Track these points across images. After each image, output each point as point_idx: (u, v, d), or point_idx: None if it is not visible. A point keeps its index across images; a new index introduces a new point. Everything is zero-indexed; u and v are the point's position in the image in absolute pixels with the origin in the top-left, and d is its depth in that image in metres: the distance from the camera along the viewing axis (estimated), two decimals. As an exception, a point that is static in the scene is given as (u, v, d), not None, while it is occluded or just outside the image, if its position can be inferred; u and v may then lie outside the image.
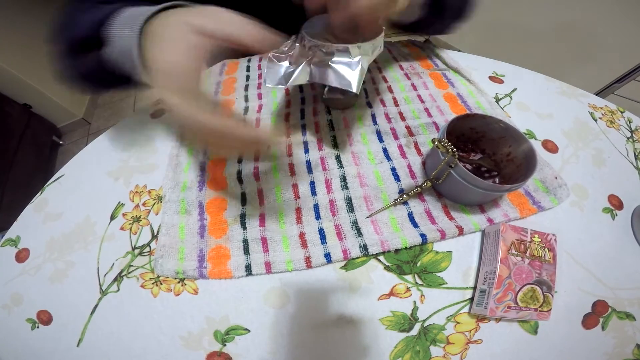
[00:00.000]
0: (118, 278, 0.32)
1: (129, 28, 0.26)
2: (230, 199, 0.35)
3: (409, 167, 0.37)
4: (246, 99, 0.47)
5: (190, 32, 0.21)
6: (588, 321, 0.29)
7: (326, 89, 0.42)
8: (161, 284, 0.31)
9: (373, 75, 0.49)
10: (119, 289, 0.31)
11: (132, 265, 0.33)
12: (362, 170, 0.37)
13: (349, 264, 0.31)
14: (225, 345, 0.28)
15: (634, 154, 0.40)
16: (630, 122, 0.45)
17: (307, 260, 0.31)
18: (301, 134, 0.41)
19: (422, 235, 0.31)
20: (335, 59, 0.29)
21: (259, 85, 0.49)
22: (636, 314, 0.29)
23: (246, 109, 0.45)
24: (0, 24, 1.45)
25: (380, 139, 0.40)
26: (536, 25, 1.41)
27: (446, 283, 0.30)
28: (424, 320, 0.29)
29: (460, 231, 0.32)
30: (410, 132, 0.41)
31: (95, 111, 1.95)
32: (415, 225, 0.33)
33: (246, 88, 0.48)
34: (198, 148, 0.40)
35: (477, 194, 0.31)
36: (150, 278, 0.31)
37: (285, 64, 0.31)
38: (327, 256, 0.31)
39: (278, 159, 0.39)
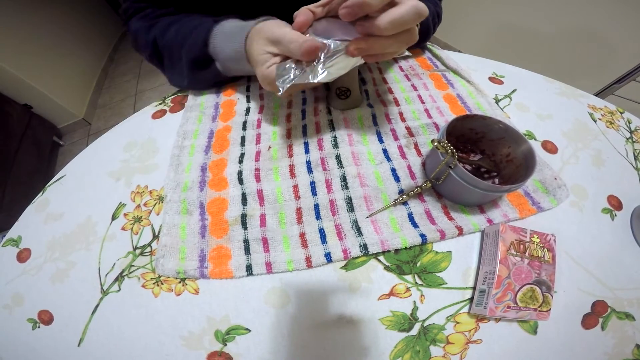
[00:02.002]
0: (119, 278, 0.32)
1: (232, 45, 0.38)
2: (231, 199, 0.35)
3: (409, 167, 0.37)
4: (248, 99, 0.47)
5: (265, 62, 0.34)
6: (587, 321, 0.29)
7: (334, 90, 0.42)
8: (162, 283, 0.31)
9: (374, 75, 0.50)
10: (120, 289, 0.31)
11: (133, 265, 0.33)
12: (362, 170, 0.37)
13: (349, 264, 0.31)
14: (226, 345, 0.28)
15: (634, 154, 0.41)
16: (629, 123, 0.45)
17: (308, 260, 0.31)
18: (302, 134, 0.41)
19: (422, 236, 0.32)
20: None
21: (261, 86, 0.49)
22: (636, 314, 0.29)
23: (247, 110, 0.45)
24: (0, 24, 1.46)
25: (381, 140, 0.40)
26: (536, 26, 1.42)
27: (446, 283, 0.30)
28: (424, 320, 0.29)
29: (460, 231, 0.32)
30: (410, 133, 0.41)
31: (96, 111, 1.95)
32: (415, 225, 0.33)
33: (248, 89, 0.49)
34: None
35: (476, 194, 0.31)
36: (152, 278, 0.31)
37: (292, 66, 0.31)
38: (328, 256, 0.31)
39: (278, 160, 0.39)
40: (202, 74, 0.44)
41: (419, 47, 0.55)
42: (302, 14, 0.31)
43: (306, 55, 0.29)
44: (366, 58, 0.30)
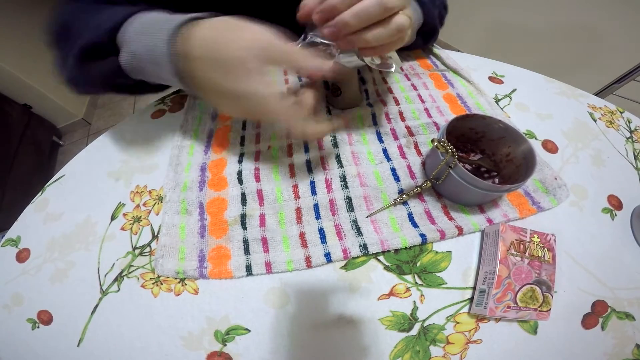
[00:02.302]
0: (118, 278, 0.32)
1: (150, 37, 0.28)
2: (230, 199, 0.35)
3: (409, 167, 0.37)
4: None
5: (260, 63, 0.26)
6: (587, 321, 0.29)
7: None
8: (162, 284, 0.31)
9: (374, 75, 0.50)
10: (119, 289, 0.31)
11: (133, 265, 0.33)
12: (362, 170, 0.37)
13: (349, 264, 0.31)
14: (225, 345, 0.28)
15: (634, 154, 0.40)
16: (629, 123, 0.45)
17: (307, 260, 0.31)
18: None
19: (422, 235, 0.31)
20: (342, 57, 0.31)
21: None
22: (636, 314, 0.29)
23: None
24: (0, 24, 1.45)
25: (380, 140, 0.40)
26: (536, 25, 1.41)
27: (446, 283, 0.30)
28: (424, 320, 0.29)
29: (460, 231, 0.32)
30: (410, 132, 0.41)
31: (96, 111, 1.95)
32: (414, 225, 0.33)
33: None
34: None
35: (476, 194, 0.31)
36: (151, 278, 0.31)
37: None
38: (327, 256, 0.31)
39: (278, 159, 0.39)
40: (91, 66, 0.31)
41: (425, 47, 0.54)
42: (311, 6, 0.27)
43: (325, 76, 0.27)
44: (362, 52, 0.30)
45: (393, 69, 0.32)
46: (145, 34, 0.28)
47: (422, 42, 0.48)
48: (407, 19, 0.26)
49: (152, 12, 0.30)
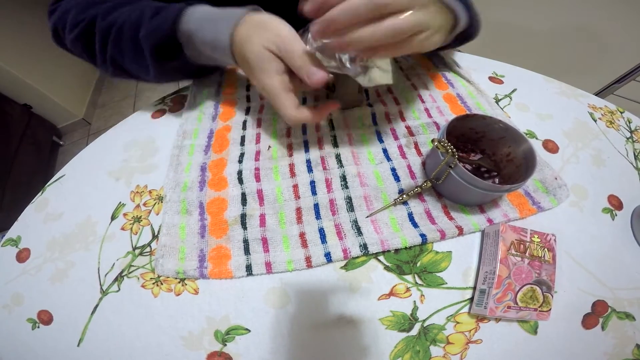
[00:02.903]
0: (119, 278, 0.32)
1: (213, 30, 0.33)
2: (230, 199, 0.35)
3: (409, 167, 0.37)
4: (248, 99, 0.47)
5: (271, 61, 0.31)
6: (588, 321, 0.29)
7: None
8: (162, 284, 0.31)
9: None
10: (119, 289, 0.31)
11: (133, 265, 0.33)
12: (362, 169, 0.37)
13: (349, 264, 0.31)
14: (225, 345, 0.28)
15: (634, 154, 0.40)
16: (629, 123, 0.45)
17: (308, 260, 0.31)
18: (302, 133, 0.41)
19: (422, 235, 0.31)
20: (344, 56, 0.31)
21: None
22: (636, 314, 0.29)
23: (248, 110, 0.45)
24: (0, 24, 1.46)
25: (380, 140, 0.40)
26: (536, 25, 1.41)
27: (446, 283, 0.30)
28: (424, 320, 0.29)
29: (460, 231, 0.32)
30: (410, 132, 0.41)
31: (96, 111, 1.95)
32: (415, 225, 0.33)
33: (248, 88, 0.48)
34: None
35: (476, 194, 0.31)
36: (151, 278, 0.31)
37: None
38: (328, 256, 0.31)
39: (278, 159, 0.39)
40: (169, 64, 0.38)
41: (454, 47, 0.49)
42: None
43: (314, 85, 0.30)
44: (364, 53, 0.28)
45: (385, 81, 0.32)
46: (207, 26, 0.34)
47: (457, 44, 0.44)
48: (411, 21, 0.24)
49: (200, 7, 0.35)
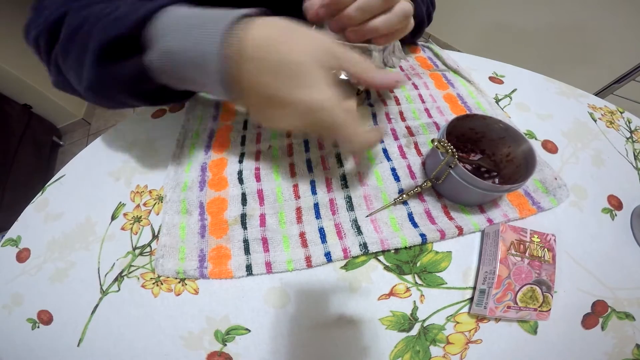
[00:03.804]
0: (119, 278, 0.32)
1: (193, 33, 0.23)
2: (230, 199, 0.35)
3: (409, 167, 0.37)
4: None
5: (323, 70, 0.23)
6: (587, 321, 0.29)
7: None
8: (162, 283, 0.31)
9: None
10: (119, 289, 0.31)
11: (133, 265, 0.33)
12: (362, 169, 0.37)
13: (349, 263, 0.31)
14: (225, 345, 0.28)
15: (634, 154, 0.40)
16: (629, 123, 0.45)
17: (308, 259, 0.31)
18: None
19: (422, 235, 0.31)
20: None
21: None
22: (636, 314, 0.29)
23: (247, 110, 0.45)
24: (1, 24, 1.46)
25: (380, 140, 0.40)
26: (536, 25, 1.42)
27: (446, 283, 0.30)
28: (424, 320, 0.29)
29: (460, 231, 0.32)
30: (410, 132, 0.41)
31: (96, 111, 1.95)
32: (414, 225, 0.33)
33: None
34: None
35: (476, 194, 0.31)
36: (151, 278, 0.31)
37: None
38: (328, 255, 0.31)
39: (278, 159, 0.39)
40: (112, 69, 0.26)
41: (413, 41, 0.54)
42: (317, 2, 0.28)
43: (391, 86, 0.26)
44: (375, 41, 0.30)
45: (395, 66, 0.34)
46: (186, 30, 0.23)
47: (410, 36, 0.40)
48: (409, 4, 0.27)
49: (185, 7, 0.25)
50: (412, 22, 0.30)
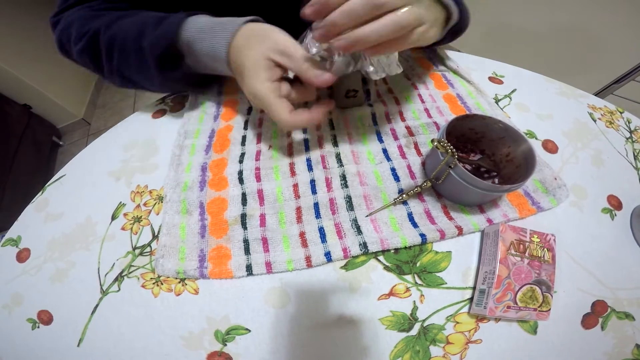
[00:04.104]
0: (119, 278, 0.32)
1: (211, 40, 0.34)
2: (231, 199, 0.35)
3: (409, 167, 0.37)
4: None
5: (267, 69, 0.32)
6: (587, 321, 0.29)
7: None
8: (162, 284, 0.31)
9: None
10: (119, 289, 0.31)
11: (133, 265, 0.33)
12: (362, 169, 0.37)
13: (349, 263, 0.31)
14: (225, 345, 0.28)
15: (633, 154, 0.41)
16: (629, 123, 0.45)
17: (308, 259, 0.31)
18: (302, 132, 0.41)
19: (422, 235, 0.32)
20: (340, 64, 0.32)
21: None
22: (635, 314, 0.29)
23: (249, 109, 0.45)
24: (0, 23, 1.46)
25: (380, 140, 0.40)
26: (536, 26, 1.42)
27: (446, 283, 0.30)
28: (424, 320, 0.29)
29: (460, 231, 0.32)
30: (410, 132, 0.41)
31: (95, 111, 1.95)
32: (414, 225, 0.33)
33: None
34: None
35: (476, 194, 0.31)
36: (151, 278, 0.31)
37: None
38: (328, 255, 0.31)
39: (279, 159, 0.39)
40: (171, 74, 0.39)
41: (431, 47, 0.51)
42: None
43: (322, 85, 0.31)
44: (366, 51, 0.29)
45: (376, 77, 0.33)
46: (205, 36, 0.35)
47: (448, 40, 0.43)
48: (411, 15, 0.24)
49: (198, 17, 0.36)
50: (419, 33, 0.26)
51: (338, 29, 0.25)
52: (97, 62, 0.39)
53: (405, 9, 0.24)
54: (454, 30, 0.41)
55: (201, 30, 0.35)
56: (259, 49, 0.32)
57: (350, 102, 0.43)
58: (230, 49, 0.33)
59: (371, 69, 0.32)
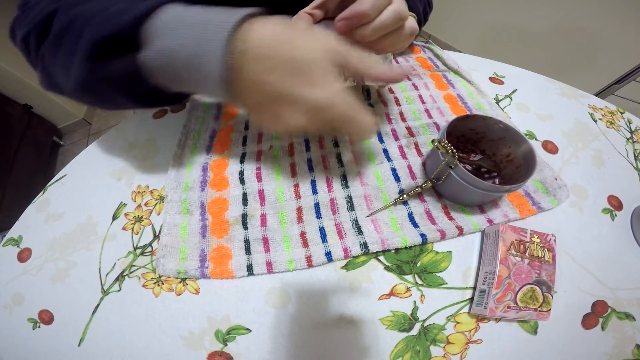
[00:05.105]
0: (120, 278, 0.32)
1: (196, 31, 0.23)
2: (231, 199, 0.35)
3: (409, 167, 0.37)
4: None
5: (333, 72, 0.23)
6: (588, 321, 0.29)
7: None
8: (163, 283, 0.31)
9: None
10: (120, 289, 0.31)
11: (134, 265, 0.33)
12: (363, 169, 0.37)
13: (350, 263, 0.31)
14: (226, 345, 0.28)
15: (634, 154, 0.41)
16: (630, 123, 0.45)
17: (308, 259, 0.31)
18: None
19: (422, 235, 0.32)
20: None
21: None
22: (636, 314, 0.29)
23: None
24: (1, 24, 1.46)
25: (381, 140, 0.40)
26: (536, 26, 1.42)
27: (446, 283, 0.30)
28: (424, 320, 0.29)
29: (460, 231, 0.32)
30: (410, 133, 0.41)
31: (96, 112, 1.95)
32: (415, 225, 0.33)
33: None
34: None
35: (476, 194, 0.31)
36: (152, 278, 0.31)
37: None
38: (328, 255, 0.31)
39: (279, 159, 0.39)
40: (103, 67, 0.25)
41: (432, 47, 0.55)
42: (302, 18, 0.28)
43: (397, 80, 0.26)
44: (377, 51, 0.30)
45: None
46: (186, 29, 0.23)
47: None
48: (414, 20, 0.27)
49: (182, 5, 0.25)
50: (410, 27, 0.29)
51: (365, 40, 0.26)
52: (37, 46, 0.29)
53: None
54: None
55: (185, 18, 0.24)
56: (314, 45, 0.23)
57: None
58: (237, 44, 0.22)
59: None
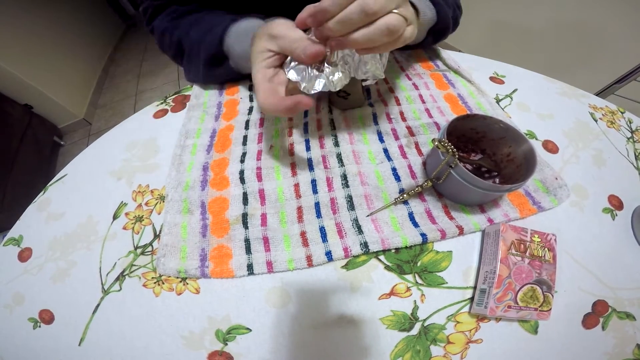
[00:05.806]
0: (120, 277, 0.32)
1: (242, 44, 0.39)
2: (232, 199, 0.35)
3: (410, 167, 0.37)
4: (251, 98, 0.47)
5: (263, 58, 0.32)
6: (588, 321, 0.29)
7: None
8: (163, 283, 0.31)
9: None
10: (121, 288, 0.31)
11: (134, 265, 0.33)
12: (363, 169, 0.37)
13: (350, 263, 0.31)
14: (226, 344, 0.28)
15: (634, 154, 0.40)
16: (630, 123, 0.45)
17: (309, 258, 0.31)
18: (303, 131, 0.41)
19: (423, 235, 0.32)
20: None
21: None
22: (636, 313, 0.29)
23: (250, 109, 0.45)
24: (1, 24, 1.46)
25: (381, 139, 0.40)
26: (537, 25, 1.42)
27: (446, 283, 0.30)
28: (425, 320, 0.29)
29: (461, 231, 0.32)
30: (411, 132, 0.41)
31: (96, 112, 1.96)
32: (415, 224, 0.33)
33: (250, 88, 0.49)
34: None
35: (477, 194, 0.31)
36: (152, 277, 0.32)
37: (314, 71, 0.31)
38: (328, 254, 0.31)
39: (280, 158, 0.39)
40: (216, 70, 0.46)
41: (432, 47, 0.54)
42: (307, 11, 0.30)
43: (310, 59, 0.28)
44: (360, 52, 0.30)
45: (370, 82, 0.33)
46: (239, 41, 0.40)
47: (432, 40, 0.48)
48: (400, 19, 0.26)
49: (243, 22, 0.41)
50: (408, 34, 0.28)
51: (334, 34, 0.26)
52: (181, 61, 0.49)
53: (396, 13, 0.26)
54: (437, 29, 0.44)
55: (237, 35, 0.40)
56: (258, 42, 0.32)
57: (346, 103, 0.43)
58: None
59: (363, 77, 0.32)
